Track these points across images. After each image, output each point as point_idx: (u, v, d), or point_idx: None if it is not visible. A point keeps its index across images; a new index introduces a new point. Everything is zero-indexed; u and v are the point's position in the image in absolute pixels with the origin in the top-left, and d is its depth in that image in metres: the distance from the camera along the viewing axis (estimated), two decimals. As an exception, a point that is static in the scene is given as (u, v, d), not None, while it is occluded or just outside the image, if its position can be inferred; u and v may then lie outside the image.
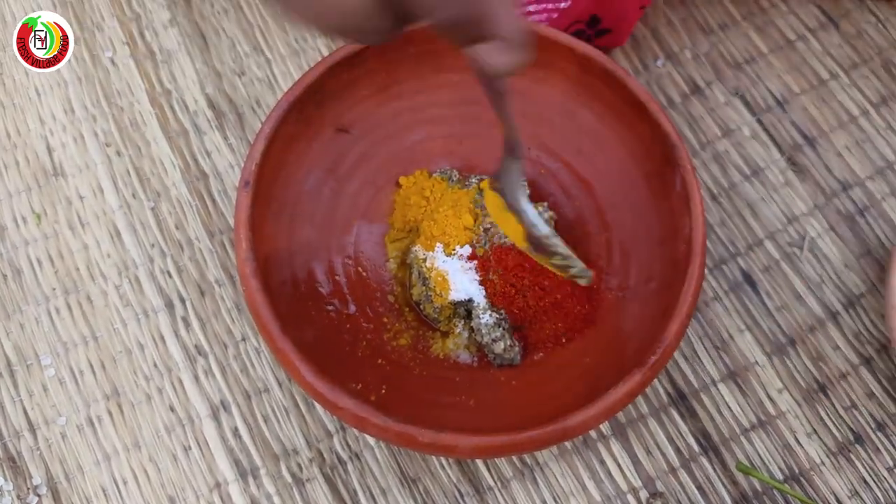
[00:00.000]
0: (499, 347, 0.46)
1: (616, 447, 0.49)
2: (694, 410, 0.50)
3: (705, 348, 0.51)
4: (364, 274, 0.50)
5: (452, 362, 0.48)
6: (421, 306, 0.49)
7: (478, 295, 0.47)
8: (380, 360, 0.47)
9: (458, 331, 0.48)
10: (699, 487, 0.48)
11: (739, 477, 0.48)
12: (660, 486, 0.48)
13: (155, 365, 0.50)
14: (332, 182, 0.50)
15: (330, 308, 0.48)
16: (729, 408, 0.50)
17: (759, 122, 0.57)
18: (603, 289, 0.49)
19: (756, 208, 0.55)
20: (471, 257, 0.48)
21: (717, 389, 0.50)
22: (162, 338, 0.50)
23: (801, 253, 0.54)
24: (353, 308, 0.48)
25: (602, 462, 0.49)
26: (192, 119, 0.56)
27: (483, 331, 0.46)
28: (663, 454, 0.49)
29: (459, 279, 0.47)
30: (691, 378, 0.51)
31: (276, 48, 0.58)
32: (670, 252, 0.47)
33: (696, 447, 0.49)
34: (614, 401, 0.41)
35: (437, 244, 0.48)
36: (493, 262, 0.47)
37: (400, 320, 0.49)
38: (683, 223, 0.46)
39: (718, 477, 0.48)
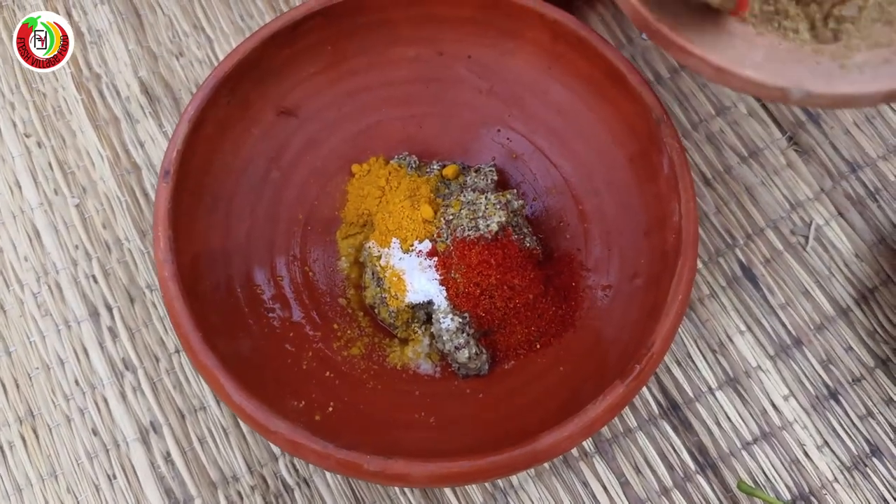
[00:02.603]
0: (463, 356, 0.40)
1: (601, 466, 0.43)
2: (688, 422, 0.44)
3: (700, 351, 0.46)
4: (311, 275, 0.44)
5: (412, 373, 0.42)
6: (376, 310, 0.43)
7: (438, 296, 0.41)
8: (328, 373, 0.41)
9: (417, 337, 0.43)
10: (695, 510, 0.42)
11: (742, 497, 0.42)
12: (651, 510, 0.42)
13: (76, 382, 0.44)
14: (276, 171, 0.45)
15: (272, 315, 0.42)
16: (728, 418, 0.44)
17: (757, 97, 0.51)
18: (582, 287, 0.43)
19: (755, 193, 0.49)
20: (430, 253, 0.42)
21: (715, 398, 0.45)
22: (85, 351, 0.44)
23: (806, 242, 0.48)
24: (298, 314, 0.42)
25: (585, 483, 0.43)
26: (124, 105, 0.50)
27: (444, 337, 0.40)
28: (654, 473, 0.43)
29: (417, 279, 0.41)
30: (685, 386, 0.45)
31: (218, 26, 0.52)
32: (658, 244, 0.41)
33: (691, 464, 0.43)
34: (592, 418, 0.35)
35: (393, 239, 0.42)
36: (455, 259, 0.41)
37: (352, 327, 0.43)
38: (672, 210, 0.40)
39: (718, 498, 0.43)
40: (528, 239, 0.42)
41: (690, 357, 0.45)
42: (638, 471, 0.43)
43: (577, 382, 0.40)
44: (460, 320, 0.41)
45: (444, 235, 0.42)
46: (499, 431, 0.38)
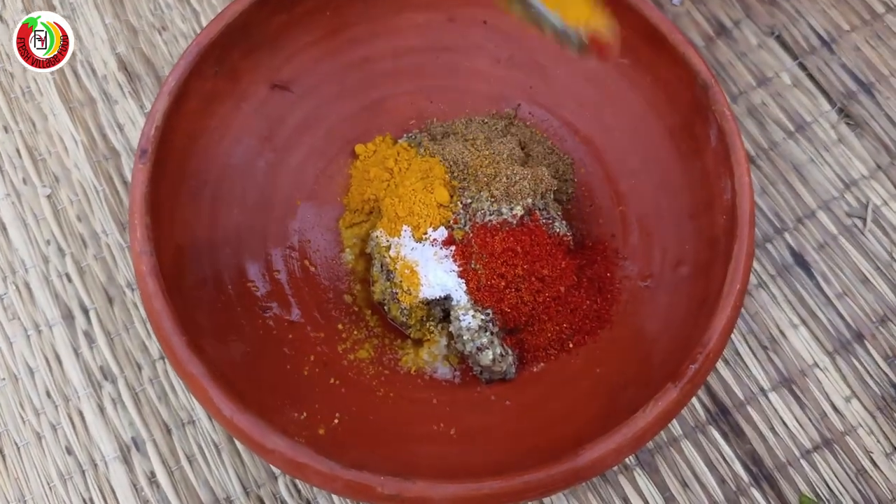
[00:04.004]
0: (486, 358, 0.35)
1: (642, 480, 0.38)
2: (740, 429, 0.39)
3: (750, 349, 0.41)
4: (312, 269, 0.39)
5: (428, 378, 0.37)
6: (385, 307, 0.38)
7: (457, 290, 0.36)
8: (332, 380, 0.36)
9: (433, 337, 0.37)
10: (752, 529, 0.37)
11: (803, 514, 0.38)
12: (701, 529, 0.37)
13: (48, 394, 0.39)
14: (269, 153, 0.39)
15: (267, 314, 0.37)
16: (784, 423, 0.39)
17: (802, 66, 0.46)
18: (618, 278, 0.38)
19: (804, 172, 0.44)
20: (446, 242, 0.37)
21: (768, 400, 0.40)
22: (58, 358, 0.39)
23: (863, 225, 0.43)
24: (297, 313, 0.37)
25: (625, 500, 0.38)
26: (101, 85, 0.45)
27: (465, 337, 0.35)
28: (703, 486, 0.38)
29: (432, 271, 0.36)
30: (734, 387, 0.40)
31: (205, -4, 0.47)
32: (706, 227, 0.36)
33: (744, 476, 0.38)
34: (642, 428, 0.30)
35: (404, 227, 0.37)
36: (476, 247, 0.36)
37: (359, 327, 0.38)
38: (722, 188, 0.35)
39: (776, 514, 0.38)
40: (557, 224, 0.37)
41: (739, 355, 0.40)
42: (685, 485, 0.38)
43: (618, 386, 0.35)
44: (483, 317, 0.35)
45: (462, 221, 0.37)
46: (530, 444, 0.33)
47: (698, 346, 0.32)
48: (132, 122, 0.44)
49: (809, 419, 0.39)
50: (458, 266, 0.36)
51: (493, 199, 0.37)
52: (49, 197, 0.42)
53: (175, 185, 0.35)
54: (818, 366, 0.40)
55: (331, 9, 0.40)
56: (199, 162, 0.37)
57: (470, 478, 0.30)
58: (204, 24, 0.47)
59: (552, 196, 0.38)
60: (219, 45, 0.36)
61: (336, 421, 0.34)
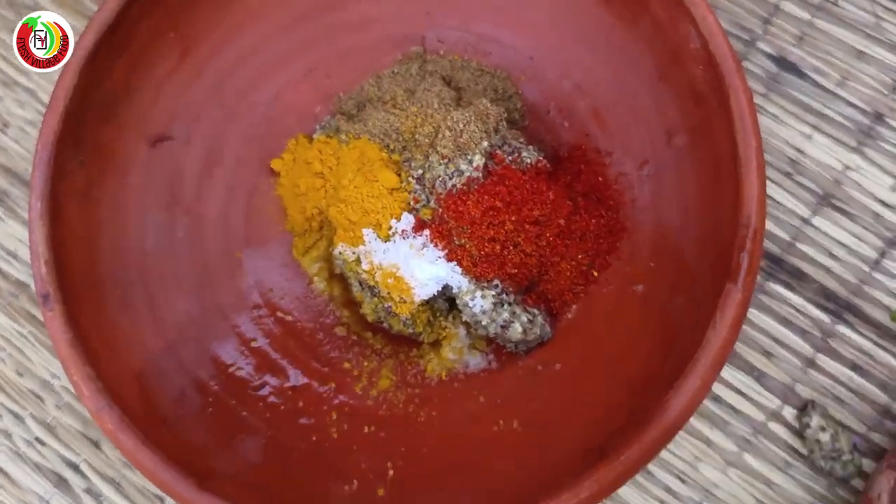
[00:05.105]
0: (516, 332, 0.31)
1: (726, 370, 0.34)
2: (799, 272, 0.35)
3: (772, 181, 0.36)
4: (289, 318, 0.34)
5: (463, 377, 0.33)
6: (385, 325, 0.33)
7: (452, 276, 0.31)
8: (367, 428, 0.31)
9: (450, 332, 0.33)
10: (855, 367, 0.34)
11: (900, 329, 0.34)
12: (804, 393, 0.34)
13: (80, 573, 0.34)
14: (183, 217, 0.34)
15: (265, 392, 0.32)
16: (840, 244, 0.35)
17: None
18: (613, 177, 0.33)
19: (748, -35, 0.39)
20: (417, 228, 0.32)
21: (814, 228, 0.36)
22: (72, 531, 0.35)
23: (835, -5, 0.38)
24: (295, 374, 0.33)
25: (717, 399, 0.34)
26: (-31, 218, 0.39)
27: (483, 321, 0.31)
28: (788, 348, 0.34)
29: (417, 267, 0.31)
30: (775, 230, 0.36)
31: (31, 70, 0.40)
32: (683, 83, 0.31)
33: (825, 318, 0.35)
34: (720, 346, 0.26)
35: (364, 231, 0.32)
36: (452, 221, 0.31)
37: (367, 355, 0.33)
38: (685, 35, 0.30)
39: (873, 342, 0.34)
40: (525, 153, 0.32)
41: (767, 195, 0.36)
42: (768, 354, 0.34)
43: (664, 300, 0.30)
44: (493, 293, 0.31)
45: (424, 198, 0.32)
46: (605, 409, 0.29)
47: (739, 227, 0.27)
48: (23, 243, 0.38)
49: (864, 227, 0.35)
50: (442, 249, 0.31)
51: (445, 160, 0.31)
52: (-24, 365, 0.37)
53: (98, 309, 0.30)
54: (849, 167, 0.36)
55: (172, 28, 0.33)
56: (113, 267, 0.31)
57: (568, 476, 0.26)
58: (46, 99, 0.40)
59: (505, 125, 0.33)
60: (69, 133, 0.30)
61: (391, 472, 0.30)
